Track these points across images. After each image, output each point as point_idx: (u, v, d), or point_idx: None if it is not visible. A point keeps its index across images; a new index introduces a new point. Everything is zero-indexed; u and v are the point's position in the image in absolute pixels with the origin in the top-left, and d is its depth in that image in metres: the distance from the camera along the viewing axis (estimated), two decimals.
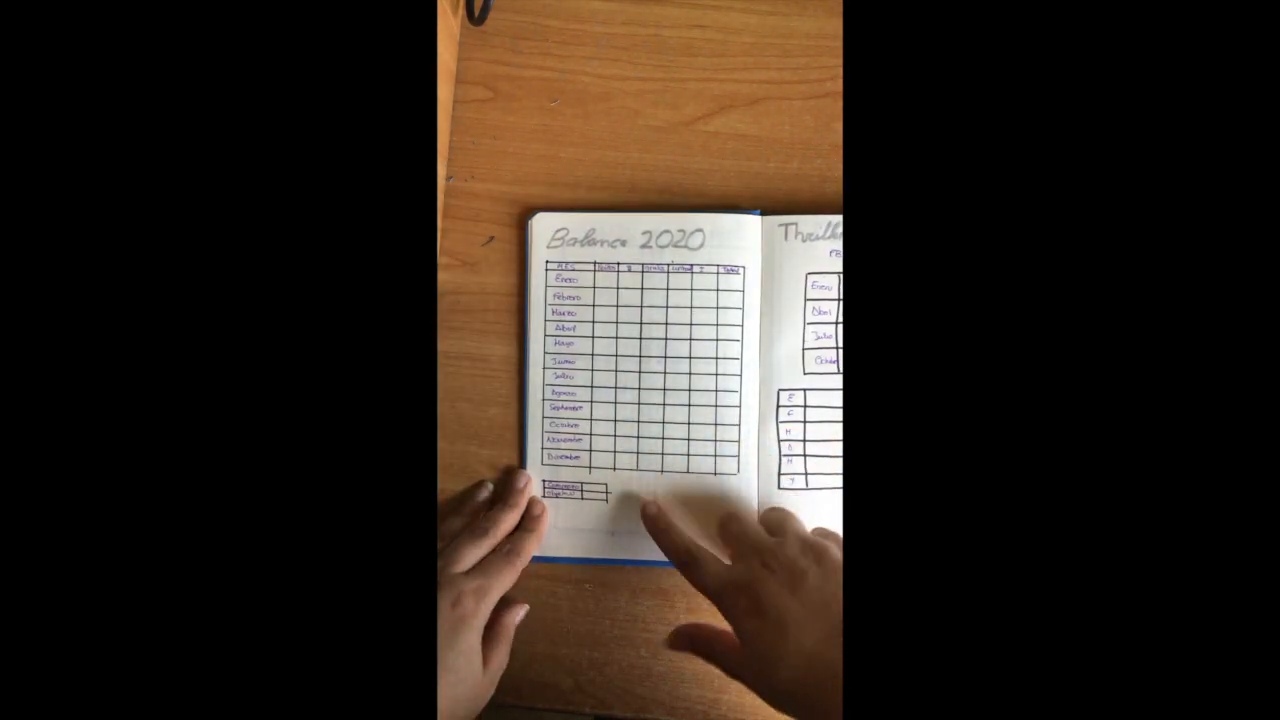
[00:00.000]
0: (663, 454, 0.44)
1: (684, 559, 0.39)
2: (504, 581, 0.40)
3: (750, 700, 0.42)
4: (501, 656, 0.40)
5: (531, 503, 0.44)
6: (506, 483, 0.44)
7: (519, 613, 0.42)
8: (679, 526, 0.41)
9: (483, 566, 0.40)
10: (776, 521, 0.40)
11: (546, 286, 0.45)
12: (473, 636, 0.37)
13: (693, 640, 0.38)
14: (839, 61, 0.45)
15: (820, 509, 0.43)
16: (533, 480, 0.44)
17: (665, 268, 0.44)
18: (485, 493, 0.44)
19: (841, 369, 0.43)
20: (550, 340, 0.45)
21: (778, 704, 0.33)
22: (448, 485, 0.45)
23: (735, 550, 0.38)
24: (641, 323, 0.44)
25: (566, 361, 0.44)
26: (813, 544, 0.36)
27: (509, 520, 0.42)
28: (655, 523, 0.41)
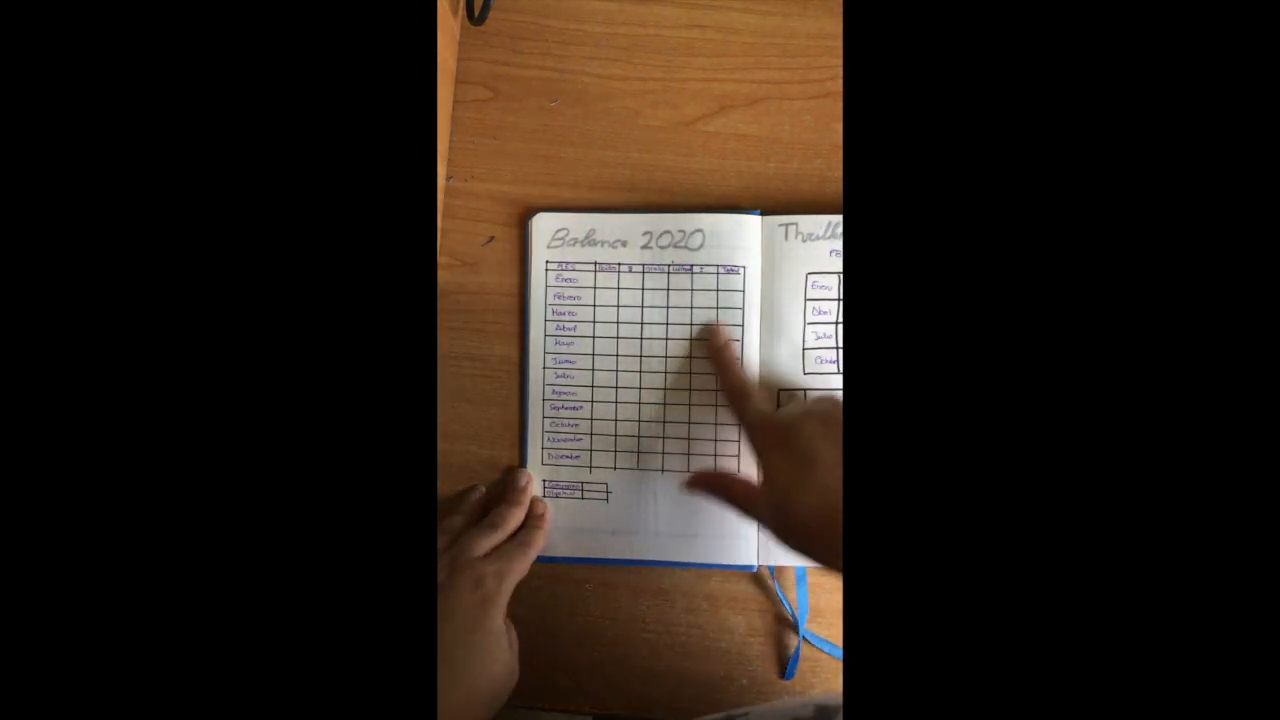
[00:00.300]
0: (663, 454, 0.44)
1: (738, 390, 0.40)
2: (520, 568, 0.41)
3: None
4: (515, 638, 0.40)
5: (535, 503, 0.44)
6: (508, 482, 0.44)
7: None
8: (740, 364, 0.42)
9: (499, 552, 0.41)
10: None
11: (547, 287, 0.45)
12: (498, 616, 0.38)
13: (710, 483, 0.40)
14: (839, 61, 0.45)
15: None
16: (533, 479, 0.44)
17: (665, 268, 0.44)
18: (479, 494, 0.44)
19: (841, 369, 0.43)
20: (550, 340, 0.45)
21: (789, 537, 0.34)
22: (448, 485, 0.45)
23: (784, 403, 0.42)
24: (642, 323, 0.44)
25: (567, 361, 0.44)
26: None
27: (516, 516, 0.43)
28: (722, 352, 0.42)
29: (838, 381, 0.43)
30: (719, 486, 0.40)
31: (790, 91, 0.46)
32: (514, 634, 0.41)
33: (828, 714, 0.28)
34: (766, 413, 0.38)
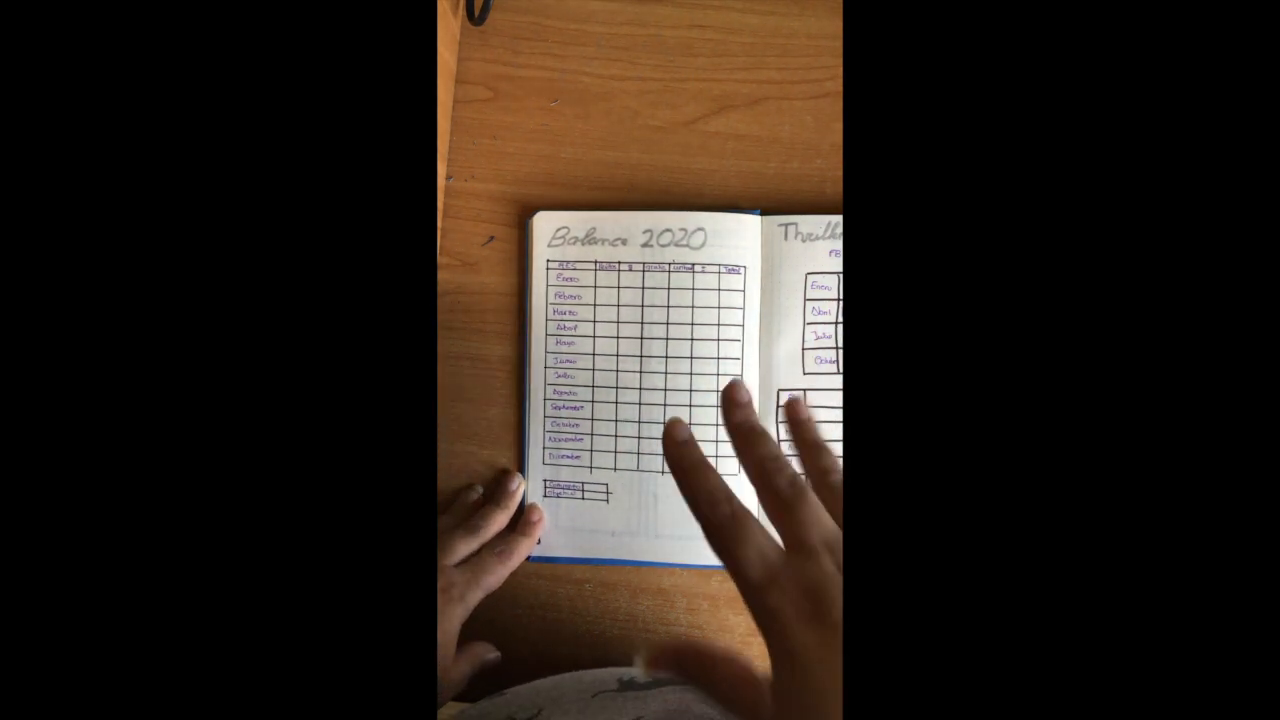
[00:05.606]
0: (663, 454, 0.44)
1: (723, 514, 0.26)
2: (493, 579, 0.40)
3: None
4: (464, 670, 0.40)
5: (530, 509, 0.44)
6: (499, 484, 0.44)
7: (490, 655, 0.42)
8: (718, 473, 0.28)
9: (473, 562, 0.41)
10: None
11: (548, 286, 0.45)
12: (454, 621, 0.38)
13: (681, 661, 0.25)
14: (839, 61, 0.45)
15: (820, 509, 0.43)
16: (525, 484, 0.44)
17: (666, 267, 0.44)
18: (475, 495, 0.44)
19: (841, 369, 0.43)
20: (551, 340, 0.45)
21: None
22: (448, 485, 0.45)
23: (796, 537, 0.25)
24: (642, 322, 0.44)
25: (567, 361, 0.44)
26: None
27: (499, 520, 0.43)
28: (685, 452, 0.28)
29: (838, 381, 0.43)
30: (696, 667, 0.25)
31: (790, 91, 0.46)
32: (474, 651, 0.40)
33: (632, 686, 0.27)
34: (776, 560, 0.25)
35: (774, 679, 0.23)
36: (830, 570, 0.24)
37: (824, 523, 0.26)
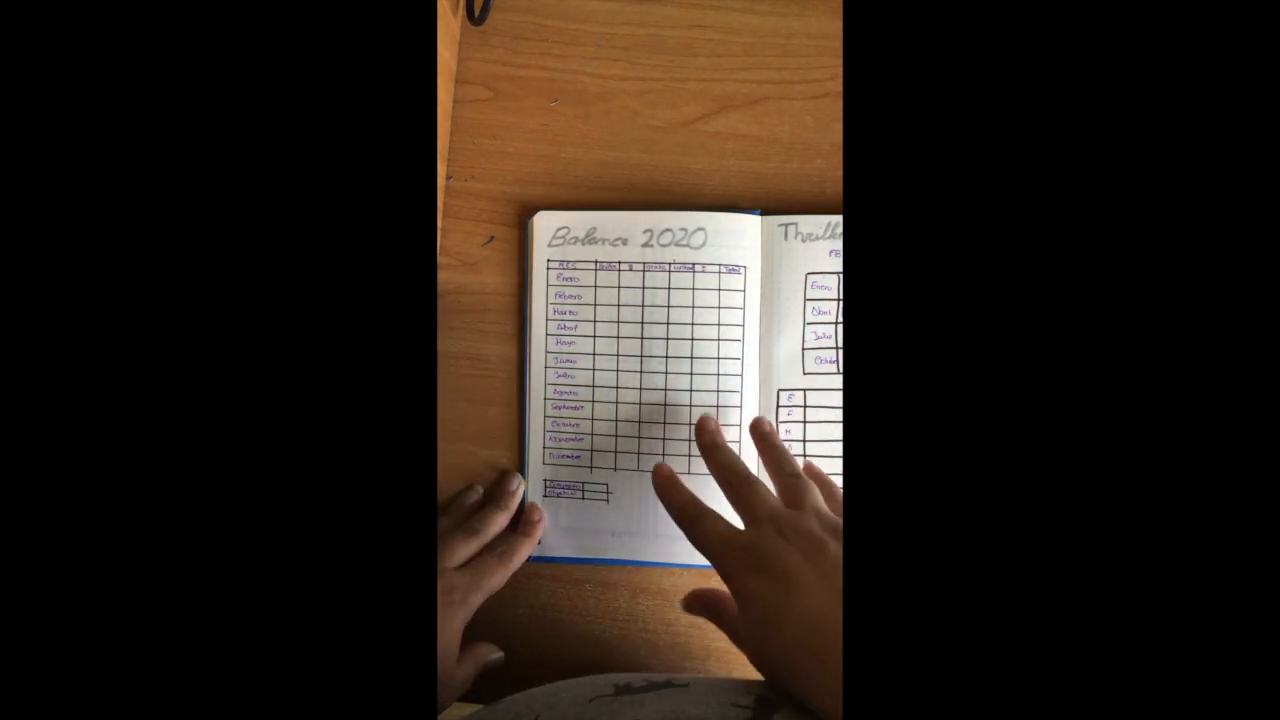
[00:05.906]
0: (664, 455, 0.44)
1: (690, 513, 0.36)
2: (494, 580, 0.40)
3: None
4: (468, 671, 0.40)
5: (530, 508, 0.44)
6: (499, 484, 0.44)
7: (493, 655, 0.42)
8: (687, 488, 0.38)
9: (474, 564, 0.41)
10: (795, 494, 0.35)
11: (548, 285, 0.45)
12: (455, 624, 0.38)
13: (706, 604, 0.38)
14: (839, 61, 0.45)
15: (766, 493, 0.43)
16: (524, 484, 0.44)
17: (667, 267, 0.44)
18: (475, 496, 0.44)
19: (841, 369, 0.43)
20: (551, 340, 0.45)
21: (772, 669, 0.30)
22: (448, 485, 0.45)
23: (749, 516, 0.35)
24: (643, 322, 0.44)
25: (568, 361, 0.44)
26: (833, 521, 0.34)
27: (499, 521, 0.43)
28: (666, 480, 0.38)
29: (837, 381, 0.43)
30: (713, 606, 0.37)
31: (790, 91, 0.46)
32: (478, 652, 0.41)
33: (766, 708, 0.28)
34: (729, 533, 0.34)
35: (737, 611, 0.33)
36: (771, 536, 0.32)
37: (769, 503, 0.35)
